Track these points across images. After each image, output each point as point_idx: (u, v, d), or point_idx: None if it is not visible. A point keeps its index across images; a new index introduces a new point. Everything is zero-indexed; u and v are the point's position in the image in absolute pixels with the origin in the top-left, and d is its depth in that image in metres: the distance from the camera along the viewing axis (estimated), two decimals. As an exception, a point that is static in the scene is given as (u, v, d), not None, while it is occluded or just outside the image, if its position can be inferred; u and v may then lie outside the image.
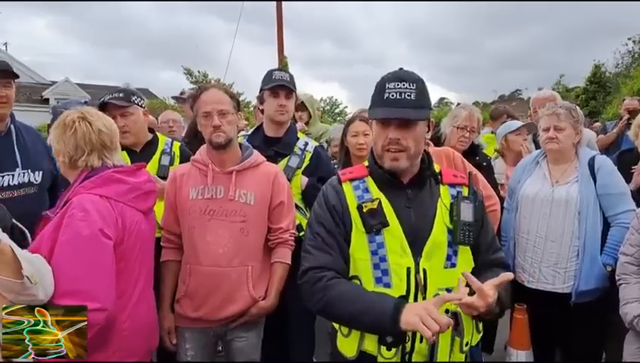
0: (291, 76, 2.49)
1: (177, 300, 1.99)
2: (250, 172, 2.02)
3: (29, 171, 2.10)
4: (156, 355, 2.30)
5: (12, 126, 2.19)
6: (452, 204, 1.46)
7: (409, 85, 1.37)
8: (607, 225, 2.29)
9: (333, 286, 1.35)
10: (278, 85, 2.41)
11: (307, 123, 3.99)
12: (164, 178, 2.27)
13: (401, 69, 1.45)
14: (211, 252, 1.93)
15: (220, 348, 2.13)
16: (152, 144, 2.49)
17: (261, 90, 2.48)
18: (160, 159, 2.46)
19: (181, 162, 2.42)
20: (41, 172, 2.14)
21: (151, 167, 2.34)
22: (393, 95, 1.37)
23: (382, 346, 1.35)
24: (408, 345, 1.36)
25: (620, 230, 2.20)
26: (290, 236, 2.09)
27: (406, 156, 1.40)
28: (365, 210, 1.39)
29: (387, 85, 1.38)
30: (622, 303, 2.01)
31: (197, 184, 1.99)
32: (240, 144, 2.11)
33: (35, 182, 2.11)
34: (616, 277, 2.10)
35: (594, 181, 2.28)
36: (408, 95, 1.36)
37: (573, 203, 2.28)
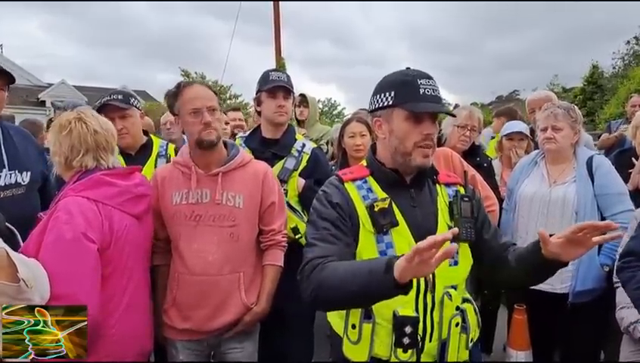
0: (288, 77, 2.47)
1: (164, 310, 1.91)
2: (237, 172, 1.91)
3: (16, 171, 2.05)
4: (154, 356, 2.29)
5: None
6: (450, 203, 1.47)
7: (435, 83, 1.39)
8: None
9: (328, 266, 1.26)
10: (277, 85, 2.38)
11: (303, 122, 3.99)
12: None
13: (408, 68, 1.44)
14: (200, 260, 1.83)
15: (212, 361, 2.04)
16: (147, 147, 2.48)
17: (258, 91, 2.45)
18: (156, 162, 2.43)
19: None
20: (29, 173, 2.09)
21: (148, 171, 2.31)
22: (429, 91, 1.36)
23: (398, 349, 1.33)
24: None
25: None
26: (283, 237, 2.01)
27: (432, 152, 1.41)
28: (376, 209, 1.36)
29: (419, 81, 1.36)
30: (619, 307, 2.01)
31: (181, 188, 1.88)
32: (225, 143, 2.00)
33: (22, 183, 2.06)
34: (614, 280, 2.09)
35: (592, 181, 2.29)
36: (437, 92, 1.39)
37: (570, 203, 2.29)
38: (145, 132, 2.57)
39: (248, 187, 1.92)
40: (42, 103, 23.77)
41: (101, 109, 2.29)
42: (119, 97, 2.36)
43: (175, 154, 2.48)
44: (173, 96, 1.90)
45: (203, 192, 1.87)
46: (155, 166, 2.41)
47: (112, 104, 2.31)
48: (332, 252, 1.31)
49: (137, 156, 2.41)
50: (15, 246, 1.53)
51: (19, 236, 1.63)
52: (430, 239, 1.02)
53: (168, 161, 2.44)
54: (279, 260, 2.00)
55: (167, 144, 2.57)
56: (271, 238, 1.98)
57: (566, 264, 1.32)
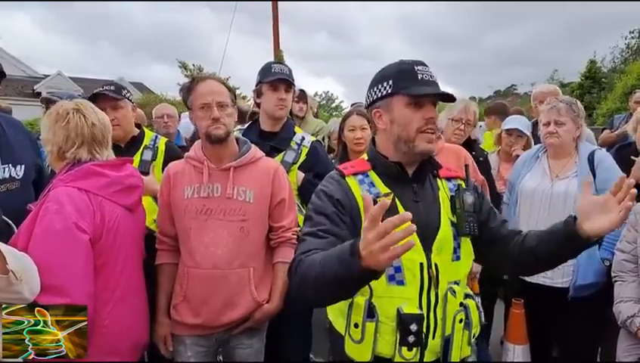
0: (290, 70, 2.43)
1: (174, 306, 1.89)
2: (248, 168, 1.91)
3: (10, 165, 2.01)
4: (147, 356, 2.27)
5: None
6: (452, 197, 1.46)
7: (430, 70, 1.39)
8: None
9: (307, 259, 1.20)
10: (278, 78, 2.35)
11: (303, 118, 3.95)
12: (145, 173, 2.21)
13: (401, 60, 1.42)
14: (209, 254, 1.83)
15: (220, 358, 2.03)
16: (137, 140, 2.46)
17: (258, 83, 2.42)
18: (142, 153, 2.42)
19: (166, 159, 2.36)
20: (23, 166, 2.04)
21: (134, 162, 2.30)
22: (426, 76, 1.36)
23: (403, 347, 1.31)
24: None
25: (618, 225, 2.20)
26: (293, 234, 1.98)
27: (436, 137, 1.40)
28: None
29: (417, 68, 1.36)
30: (617, 301, 2.02)
31: (193, 183, 1.88)
32: (237, 139, 2.01)
33: (16, 177, 2.02)
34: (612, 274, 2.10)
35: (594, 176, 2.27)
36: (435, 78, 1.39)
37: (571, 197, 2.28)
38: (138, 125, 2.55)
39: (259, 182, 1.91)
40: (38, 95, 23.52)
41: (93, 99, 2.26)
42: (112, 88, 2.36)
43: (166, 149, 2.48)
44: (187, 90, 1.91)
45: (215, 186, 1.87)
46: (140, 158, 2.39)
47: (104, 94, 2.30)
48: (317, 246, 1.25)
49: (126, 148, 2.39)
50: (10, 238, 1.52)
51: (15, 228, 1.62)
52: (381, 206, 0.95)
53: (155, 154, 2.43)
54: (290, 258, 1.95)
55: (157, 137, 2.54)
56: (282, 235, 1.96)
57: (593, 242, 1.29)
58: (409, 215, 0.94)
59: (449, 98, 1.44)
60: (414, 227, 0.94)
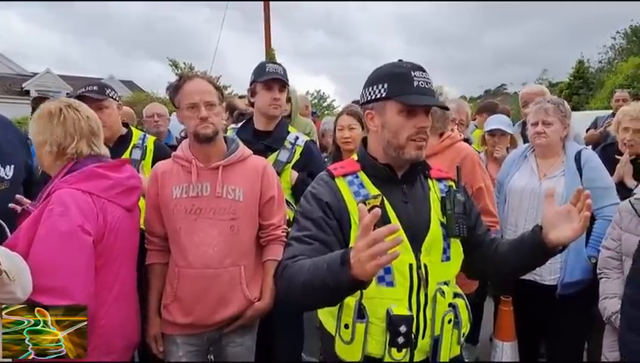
0: (284, 69, 2.44)
1: (165, 306, 1.89)
2: (237, 166, 1.92)
3: None
4: (139, 356, 2.26)
5: None
6: (443, 198, 1.47)
7: (428, 76, 1.38)
8: (592, 219, 2.33)
9: (295, 265, 1.21)
10: (272, 78, 2.36)
11: (288, 117, 3.96)
12: None
13: (400, 60, 1.41)
14: (200, 254, 1.82)
15: (211, 357, 2.03)
16: (125, 139, 2.45)
17: (252, 82, 2.42)
18: (131, 153, 2.41)
19: (155, 158, 2.36)
20: (12, 166, 1.98)
21: None
22: (422, 84, 1.34)
23: (392, 348, 1.31)
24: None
25: (604, 223, 2.24)
26: (283, 232, 1.99)
27: (425, 144, 1.40)
28: (368, 207, 1.29)
29: (413, 74, 1.34)
30: (602, 297, 2.05)
31: (181, 182, 1.87)
32: (225, 138, 2.01)
33: (5, 178, 1.95)
34: (597, 271, 2.14)
35: (581, 175, 2.31)
36: (431, 85, 1.37)
37: (559, 196, 2.29)
38: (126, 125, 2.54)
39: (248, 181, 1.91)
40: (26, 93, 23.20)
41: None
42: (95, 88, 2.35)
43: (155, 148, 2.47)
44: (175, 89, 1.89)
45: (204, 185, 1.86)
46: (130, 158, 2.38)
47: (87, 96, 2.28)
48: (302, 252, 1.26)
49: (114, 147, 2.36)
50: (2, 239, 1.51)
51: (7, 229, 1.61)
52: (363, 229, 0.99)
53: (144, 153, 2.43)
54: (280, 255, 1.94)
55: (145, 136, 2.53)
56: (271, 233, 1.97)
57: (559, 250, 1.36)
58: (398, 226, 1.01)
59: (443, 107, 1.46)
60: (401, 238, 1.00)
